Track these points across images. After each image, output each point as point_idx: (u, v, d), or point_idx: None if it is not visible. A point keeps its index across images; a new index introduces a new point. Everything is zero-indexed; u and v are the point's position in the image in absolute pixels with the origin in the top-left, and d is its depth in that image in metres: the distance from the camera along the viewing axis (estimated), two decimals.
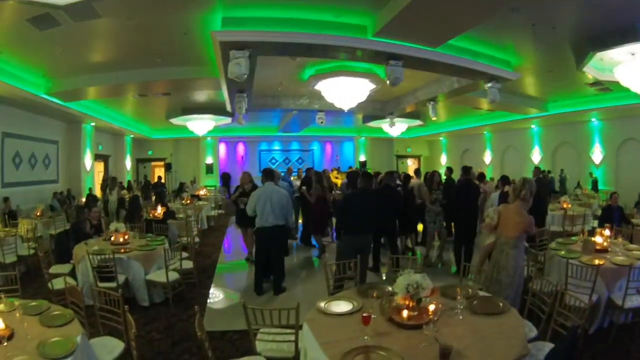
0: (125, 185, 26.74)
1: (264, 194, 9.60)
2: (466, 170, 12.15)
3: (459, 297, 4.78)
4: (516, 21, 9.92)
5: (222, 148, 36.63)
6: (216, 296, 9.78)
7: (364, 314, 4.32)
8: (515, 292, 6.72)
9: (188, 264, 9.63)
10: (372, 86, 14.61)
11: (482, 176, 16.36)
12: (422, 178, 14.26)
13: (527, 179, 7.15)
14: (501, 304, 5.00)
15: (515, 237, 6.84)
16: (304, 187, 13.83)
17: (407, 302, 4.61)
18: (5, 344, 4.27)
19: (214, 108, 22.02)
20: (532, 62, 13.25)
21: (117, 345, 5.37)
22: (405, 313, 4.55)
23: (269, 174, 9.99)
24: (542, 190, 11.85)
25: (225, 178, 34.33)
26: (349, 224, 8.70)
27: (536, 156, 26.30)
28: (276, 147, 37.76)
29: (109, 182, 18.34)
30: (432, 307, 4.54)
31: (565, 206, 14.57)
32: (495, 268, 6.89)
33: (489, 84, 13.07)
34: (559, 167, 24.17)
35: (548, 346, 4.85)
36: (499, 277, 6.73)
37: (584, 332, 4.85)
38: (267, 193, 9.59)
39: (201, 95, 19.62)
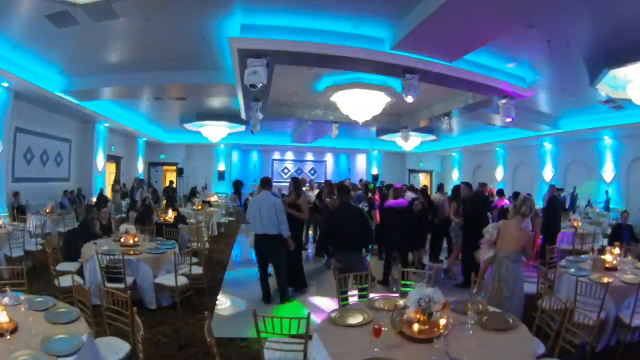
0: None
1: (255, 202, 9.70)
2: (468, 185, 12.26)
3: (469, 312, 4.74)
4: (532, 37, 9.92)
5: (235, 155, 36.68)
6: (224, 303, 9.75)
7: (375, 326, 4.31)
8: (515, 304, 6.83)
9: (197, 269, 9.62)
10: (387, 99, 14.61)
11: (500, 192, 16.31)
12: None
13: (528, 198, 7.42)
14: (511, 320, 4.96)
15: (515, 252, 7.05)
16: (327, 200, 13.69)
17: (418, 316, 4.58)
18: (9, 337, 4.26)
19: (228, 115, 22.04)
20: (546, 79, 13.22)
21: (122, 346, 5.36)
22: (416, 326, 4.52)
23: (264, 183, 9.99)
24: (556, 208, 11.83)
25: (237, 185, 34.10)
26: (334, 242, 8.37)
27: (548, 173, 26.19)
28: (289, 157, 37.72)
29: (135, 183, 18.55)
30: (443, 322, 4.51)
31: (575, 224, 14.49)
32: (495, 281, 7.02)
33: (504, 100, 13.03)
34: (571, 185, 23.92)
35: None
36: (499, 290, 6.78)
37: (591, 350, 4.83)
38: (258, 202, 9.65)
39: (216, 102, 19.65)
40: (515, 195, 12.43)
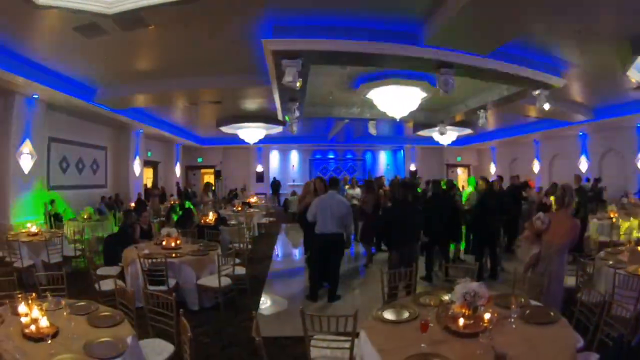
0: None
1: (326, 202, 9.80)
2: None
3: (513, 306, 4.79)
4: (562, 26, 9.85)
5: (273, 156, 36.86)
6: (267, 302, 9.85)
7: (422, 321, 4.36)
8: (558, 298, 6.83)
9: (240, 270, 9.73)
10: (423, 94, 14.53)
11: (525, 184, 16.20)
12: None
13: (565, 185, 7.45)
14: (552, 314, 4.97)
15: (565, 243, 6.99)
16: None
17: (463, 310, 4.60)
18: (50, 341, 4.30)
19: (265, 116, 22.04)
20: (578, 68, 13.10)
21: (166, 348, 5.41)
22: (461, 321, 4.54)
23: (333, 183, 10.12)
24: (582, 198, 11.75)
25: (275, 186, 34.32)
26: (393, 236, 8.75)
27: (583, 164, 25.70)
28: (328, 155, 37.87)
29: (204, 187, 18.87)
30: (487, 316, 4.52)
31: (612, 215, 14.35)
32: (539, 275, 6.98)
33: (538, 91, 12.95)
34: (605, 175, 23.37)
35: (594, 356, 4.82)
36: (542, 284, 6.70)
37: (627, 343, 4.82)
38: (328, 201, 9.77)
39: (252, 104, 19.64)
40: (553, 187, 12.36)
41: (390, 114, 15.33)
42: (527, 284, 6.89)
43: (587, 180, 20.33)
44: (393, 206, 10.02)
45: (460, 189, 16.94)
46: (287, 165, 37.26)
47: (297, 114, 15.19)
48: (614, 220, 13.91)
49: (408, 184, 10.16)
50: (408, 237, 8.70)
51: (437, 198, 11.42)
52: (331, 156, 37.88)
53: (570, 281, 8.02)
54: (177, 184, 30.67)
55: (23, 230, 12.58)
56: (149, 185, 28.52)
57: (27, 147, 14.46)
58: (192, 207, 16.93)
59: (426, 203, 11.55)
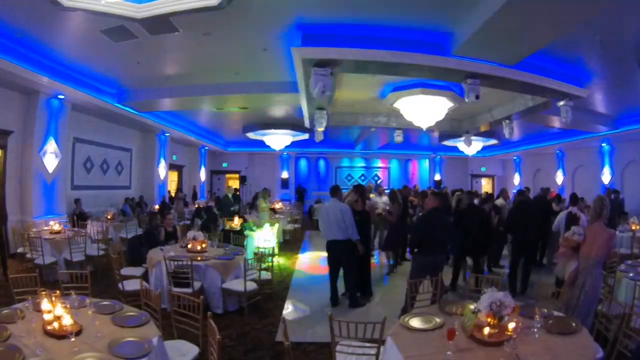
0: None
1: (324, 210, 10.13)
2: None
3: (537, 317, 4.79)
4: (584, 36, 9.81)
5: (298, 163, 36.85)
6: (291, 307, 9.88)
7: (449, 328, 4.36)
8: (592, 312, 6.77)
9: (265, 275, 9.82)
10: (450, 104, 14.49)
11: (559, 198, 16.13)
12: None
13: (603, 197, 7.40)
14: (574, 324, 5.00)
15: (602, 256, 7.01)
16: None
17: (489, 319, 4.63)
18: (73, 339, 4.30)
19: (291, 123, 22.13)
20: (601, 78, 13.03)
21: (190, 349, 5.44)
22: (486, 330, 4.58)
23: (333, 191, 10.22)
24: (613, 211, 11.69)
25: (300, 192, 34.38)
26: (424, 244, 8.71)
27: (606, 175, 25.30)
28: (353, 164, 37.73)
29: (261, 192, 18.96)
30: (512, 325, 4.56)
31: (634, 228, 14.24)
32: (577, 290, 6.96)
33: (562, 102, 12.89)
34: (628, 187, 23.30)
35: None
36: (578, 298, 6.76)
37: None
38: (326, 209, 10.01)
39: (279, 111, 19.73)
40: (574, 198, 12.32)
41: (416, 123, 15.25)
42: (564, 297, 6.84)
43: (606, 191, 20.10)
44: (428, 214, 9.98)
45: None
46: (313, 172, 37.26)
47: (324, 122, 15.14)
48: (635, 232, 13.76)
49: (440, 193, 10.17)
50: (436, 246, 8.67)
51: (472, 209, 11.40)
52: (356, 164, 37.76)
53: None
54: (194, 187, 30.77)
55: (45, 228, 12.75)
56: (173, 188, 28.80)
57: (51, 146, 14.57)
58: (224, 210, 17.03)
59: (460, 213, 11.50)
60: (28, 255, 11.27)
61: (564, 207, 14.75)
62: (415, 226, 10.76)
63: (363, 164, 37.70)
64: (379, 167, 37.94)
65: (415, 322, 5.09)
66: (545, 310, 5.41)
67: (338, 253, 9.77)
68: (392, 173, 38.02)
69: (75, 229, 13.84)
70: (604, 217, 7.11)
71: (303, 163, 37.08)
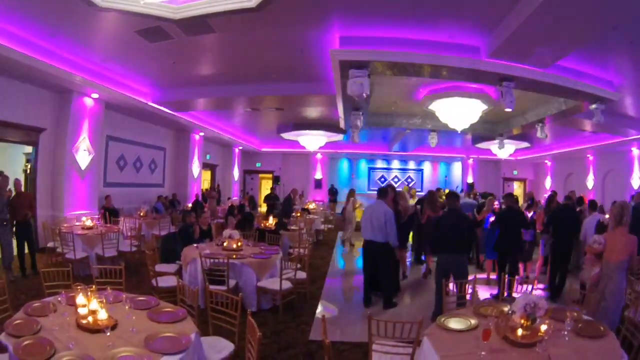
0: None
1: (368, 210, 10.06)
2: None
3: (568, 320, 4.79)
4: (615, 39, 9.70)
5: (332, 163, 36.87)
6: (325, 307, 9.89)
7: (485, 329, 4.42)
8: (617, 316, 6.80)
9: (300, 274, 9.93)
10: (484, 107, 14.46)
11: (581, 200, 15.94)
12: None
13: (622, 203, 7.44)
14: (602, 328, 5.01)
15: (623, 260, 7.00)
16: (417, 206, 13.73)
17: (522, 321, 4.67)
18: (109, 333, 4.30)
19: (326, 124, 22.18)
20: (631, 81, 12.88)
21: (226, 346, 5.45)
22: (519, 331, 4.62)
23: (381, 193, 10.14)
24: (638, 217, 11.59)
25: (332, 193, 34.30)
26: (435, 244, 8.99)
27: (636, 180, 24.93)
28: (386, 165, 37.76)
29: (349, 193, 18.85)
30: (543, 327, 4.58)
31: None
32: (600, 294, 6.96)
33: (594, 105, 12.79)
34: None
35: None
36: (604, 304, 6.76)
37: None
38: (370, 209, 9.96)
39: (314, 111, 19.76)
40: (592, 203, 12.29)
41: (451, 125, 15.30)
42: (588, 302, 6.81)
43: (632, 197, 19.85)
44: (443, 214, 9.94)
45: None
46: (346, 173, 37.26)
47: (360, 123, 15.18)
48: None
49: (454, 193, 10.19)
50: (446, 245, 8.66)
51: (510, 212, 11.18)
52: (389, 165, 37.77)
53: None
54: (217, 186, 30.49)
55: (77, 223, 12.88)
56: (207, 187, 28.93)
57: (84, 143, 14.76)
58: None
59: (500, 215, 11.43)
60: (58, 250, 11.42)
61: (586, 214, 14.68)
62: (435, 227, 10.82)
63: (397, 166, 37.70)
64: (413, 169, 37.96)
65: (451, 323, 5.13)
66: (576, 314, 5.39)
67: (375, 254, 9.73)
68: (425, 174, 37.99)
69: (107, 225, 13.98)
70: (625, 223, 7.13)
71: (337, 164, 37.14)
